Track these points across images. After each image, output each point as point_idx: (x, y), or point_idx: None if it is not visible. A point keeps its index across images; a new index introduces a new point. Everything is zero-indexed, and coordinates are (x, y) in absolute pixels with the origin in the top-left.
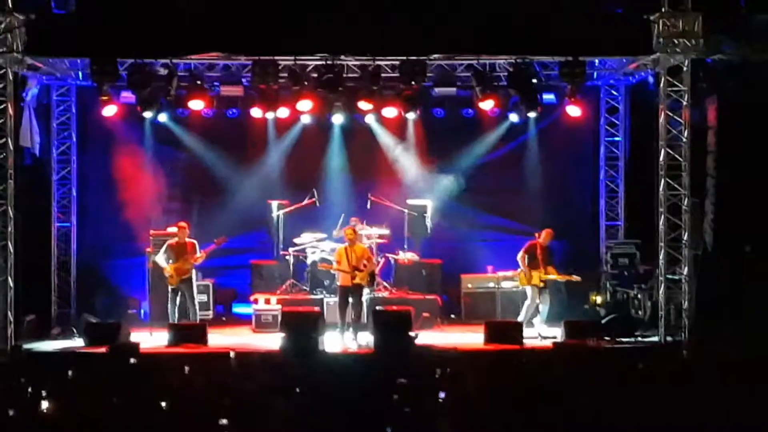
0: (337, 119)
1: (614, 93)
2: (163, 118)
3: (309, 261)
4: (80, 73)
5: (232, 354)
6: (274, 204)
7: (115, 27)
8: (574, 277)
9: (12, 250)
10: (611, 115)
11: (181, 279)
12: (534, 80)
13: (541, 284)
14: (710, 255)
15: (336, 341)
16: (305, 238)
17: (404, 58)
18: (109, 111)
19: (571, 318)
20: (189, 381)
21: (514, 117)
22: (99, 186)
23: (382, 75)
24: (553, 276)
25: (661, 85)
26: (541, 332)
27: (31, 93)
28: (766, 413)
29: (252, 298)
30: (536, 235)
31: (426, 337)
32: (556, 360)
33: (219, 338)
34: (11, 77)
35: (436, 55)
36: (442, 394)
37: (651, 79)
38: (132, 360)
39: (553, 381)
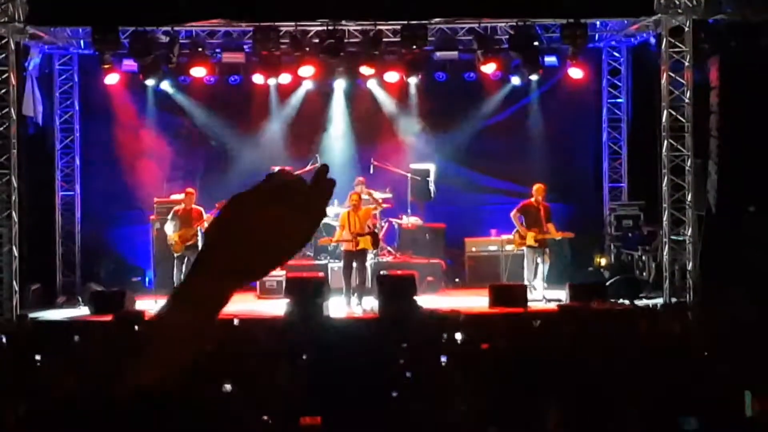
0: (339, 84)
1: (616, 55)
2: (165, 85)
3: None
4: (82, 42)
5: (235, 321)
6: (277, 170)
7: None
8: (569, 233)
9: (16, 220)
10: (613, 76)
11: (185, 246)
12: (536, 43)
13: (536, 244)
14: (714, 216)
15: (341, 306)
16: None
17: (405, 22)
18: (112, 79)
19: (576, 280)
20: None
21: (516, 80)
22: (102, 154)
23: (384, 40)
24: (550, 235)
25: (663, 46)
26: (545, 294)
27: (33, 62)
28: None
29: None
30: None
31: (430, 301)
32: (560, 322)
33: None
34: (13, 47)
35: (437, 19)
36: (443, 358)
37: (653, 41)
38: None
39: (558, 343)
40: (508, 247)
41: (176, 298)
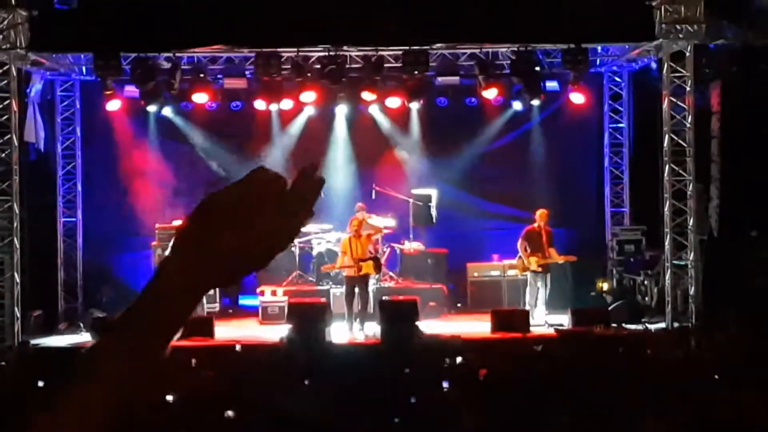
0: (341, 110)
1: (617, 79)
2: (167, 111)
3: (315, 252)
4: (84, 68)
5: (238, 347)
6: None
7: (117, 21)
8: (571, 257)
9: (18, 246)
10: (615, 101)
11: None
12: (537, 68)
13: (540, 269)
14: (716, 240)
15: (343, 332)
16: (310, 229)
17: (407, 48)
18: (113, 105)
19: (578, 305)
20: (196, 373)
21: (517, 105)
22: (104, 180)
23: (385, 65)
24: (552, 259)
25: (664, 70)
26: (547, 319)
27: (35, 89)
28: None
29: (258, 290)
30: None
31: (433, 326)
32: (562, 347)
33: (226, 331)
34: (15, 73)
35: (438, 45)
36: (445, 384)
37: (654, 65)
38: None
39: (559, 368)
40: (510, 273)
41: (144, 294)
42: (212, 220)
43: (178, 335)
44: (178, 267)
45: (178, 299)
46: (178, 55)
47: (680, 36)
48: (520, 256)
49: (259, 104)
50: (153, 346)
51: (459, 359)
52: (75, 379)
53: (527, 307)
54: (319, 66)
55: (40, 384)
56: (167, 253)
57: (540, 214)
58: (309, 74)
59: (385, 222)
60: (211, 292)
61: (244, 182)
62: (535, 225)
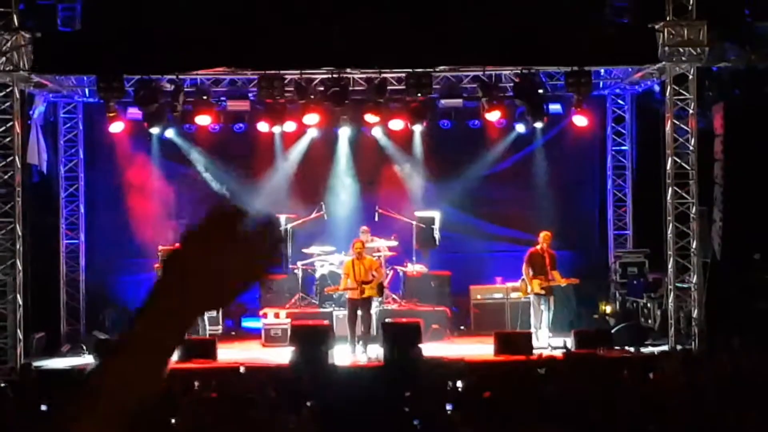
0: (344, 132)
1: (620, 102)
2: (170, 133)
3: (318, 274)
4: (87, 90)
5: (241, 369)
6: (283, 218)
7: (120, 44)
8: (574, 280)
9: (20, 268)
10: (618, 124)
11: None
12: (540, 90)
13: (543, 291)
14: (719, 263)
15: (346, 354)
16: (314, 251)
17: (410, 70)
18: (116, 127)
19: (581, 328)
20: (199, 396)
21: (520, 127)
22: (107, 202)
23: (388, 87)
24: (555, 282)
25: (667, 93)
26: (550, 342)
27: (38, 110)
28: None
29: (261, 312)
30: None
31: (436, 349)
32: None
33: (228, 353)
34: (18, 95)
35: (441, 67)
36: (449, 406)
37: (657, 88)
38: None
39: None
40: (514, 295)
41: (126, 338)
42: (187, 251)
43: (175, 355)
44: (165, 290)
45: (170, 320)
46: (181, 77)
47: (683, 59)
48: (523, 279)
49: (262, 126)
50: (152, 364)
51: (462, 382)
52: (81, 399)
53: (531, 330)
54: (322, 88)
55: (43, 408)
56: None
57: (543, 236)
58: (312, 96)
59: (388, 244)
60: (214, 313)
61: (207, 216)
62: (538, 247)
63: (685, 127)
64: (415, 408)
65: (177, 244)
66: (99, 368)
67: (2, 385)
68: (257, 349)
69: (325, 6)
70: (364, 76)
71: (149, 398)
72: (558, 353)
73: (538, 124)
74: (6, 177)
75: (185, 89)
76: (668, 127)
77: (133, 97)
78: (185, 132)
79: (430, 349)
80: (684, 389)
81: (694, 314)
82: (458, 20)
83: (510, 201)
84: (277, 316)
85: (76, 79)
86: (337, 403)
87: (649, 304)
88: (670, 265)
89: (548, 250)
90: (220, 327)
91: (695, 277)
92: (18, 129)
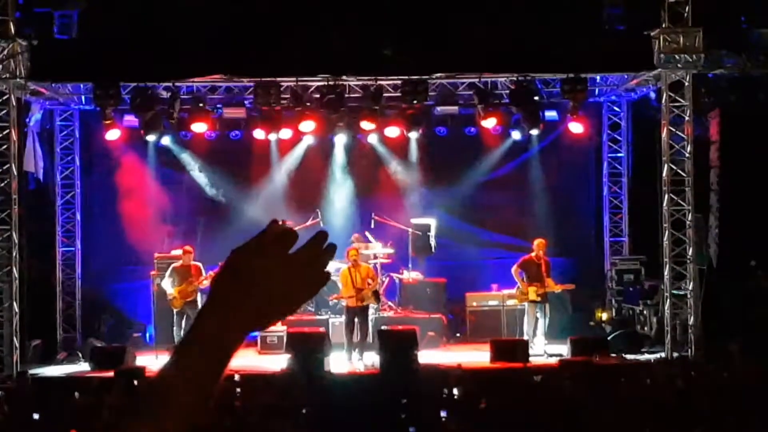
0: (340, 139)
1: (616, 109)
2: (166, 141)
3: None
4: (83, 98)
5: (236, 376)
6: (272, 222)
7: (117, 51)
8: (569, 285)
9: (17, 275)
10: (614, 131)
11: (185, 302)
12: (536, 98)
13: (539, 298)
14: (715, 270)
15: (342, 362)
16: None
17: (406, 77)
18: (113, 135)
19: (577, 335)
20: None
21: (516, 134)
22: (103, 210)
23: (384, 94)
24: (550, 288)
25: (663, 100)
26: (546, 349)
27: (35, 118)
28: None
29: None
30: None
31: (432, 356)
32: (562, 377)
33: None
34: (14, 103)
35: (437, 74)
36: (444, 414)
37: (653, 95)
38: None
39: (559, 398)
40: (510, 302)
41: (182, 351)
42: (244, 267)
43: (226, 368)
44: (213, 314)
45: (215, 341)
46: (177, 84)
47: (679, 65)
48: (518, 287)
49: (258, 133)
50: (208, 371)
51: (458, 389)
52: (144, 405)
53: (525, 337)
54: (318, 95)
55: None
56: (200, 303)
57: (538, 243)
58: (308, 103)
59: (384, 251)
60: None
61: (261, 237)
62: (533, 255)
63: (681, 134)
64: (411, 415)
65: (225, 262)
66: (158, 378)
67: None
68: (253, 357)
69: (321, 13)
70: (360, 83)
71: (206, 407)
72: (554, 360)
73: (534, 131)
74: (2, 185)
75: (181, 97)
76: (664, 134)
77: (130, 105)
78: (181, 139)
79: (426, 356)
80: (680, 396)
81: (690, 321)
82: (454, 27)
83: (506, 208)
84: None
85: (73, 86)
86: (333, 410)
87: (645, 311)
88: (666, 272)
89: (543, 257)
90: None
91: (691, 284)
92: (14, 137)
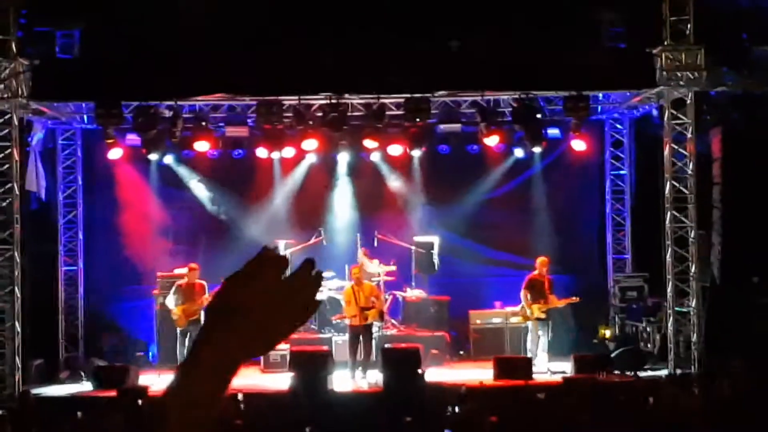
0: (343, 157)
1: (619, 126)
2: (168, 159)
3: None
4: (85, 117)
5: (239, 396)
6: (281, 243)
7: (119, 70)
8: (573, 298)
9: (19, 295)
10: (616, 148)
11: (189, 321)
12: (538, 115)
13: (543, 316)
14: (718, 287)
15: (345, 380)
16: None
17: (408, 95)
18: (115, 154)
19: (580, 352)
20: None
21: (519, 152)
22: (105, 229)
23: (387, 113)
24: (554, 304)
25: (665, 117)
26: (549, 366)
27: (37, 137)
28: None
29: None
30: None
31: (435, 374)
32: (565, 394)
33: None
34: (16, 122)
35: (440, 92)
36: None
37: (655, 112)
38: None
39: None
40: (513, 320)
41: (182, 374)
42: (232, 304)
43: (226, 391)
44: (207, 343)
45: (212, 369)
46: (179, 103)
47: (681, 83)
48: (522, 306)
49: (261, 152)
50: (211, 392)
51: (461, 407)
52: (146, 426)
53: (529, 355)
54: (320, 114)
55: None
56: (199, 331)
57: (541, 261)
58: (311, 122)
59: (387, 269)
60: None
61: (252, 264)
62: (536, 273)
63: (684, 151)
64: None
65: (218, 290)
66: (162, 396)
67: (1, 412)
68: (256, 375)
69: (323, 32)
70: (362, 101)
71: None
72: (558, 378)
73: (537, 149)
74: (4, 204)
75: (184, 115)
76: (666, 151)
77: (132, 124)
78: (184, 158)
79: (430, 374)
80: (683, 413)
81: (693, 338)
82: (456, 45)
83: (509, 226)
84: None
85: (75, 105)
86: (336, 428)
87: (648, 329)
88: (669, 289)
89: (546, 275)
90: None
91: (694, 301)
92: (16, 156)
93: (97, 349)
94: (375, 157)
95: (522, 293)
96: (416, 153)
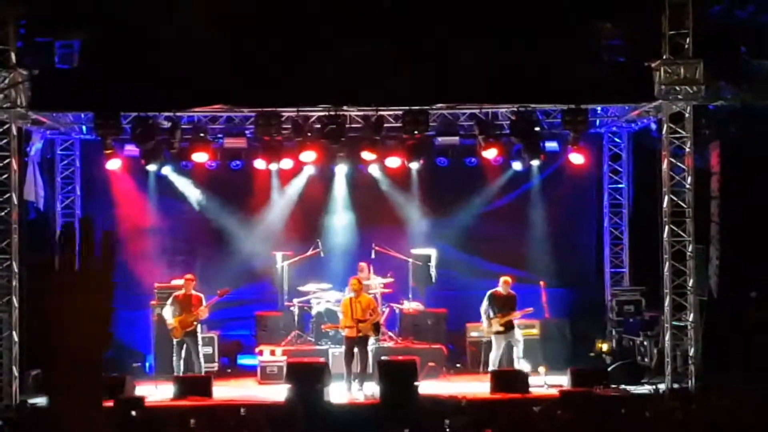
0: (341, 169)
1: (617, 140)
2: (167, 170)
3: (314, 312)
4: (84, 127)
5: (242, 410)
6: (279, 255)
7: (118, 81)
8: (528, 309)
9: (16, 305)
10: (614, 162)
11: (185, 332)
12: (536, 128)
13: (502, 329)
14: (716, 301)
15: (342, 392)
16: (310, 288)
17: (407, 108)
18: (113, 164)
19: (577, 366)
20: None
21: (517, 165)
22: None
23: (385, 125)
24: (512, 317)
25: (664, 131)
26: (546, 379)
27: (35, 148)
28: None
29: (257, 349)
30: (540, 283)
31: (432, 387)
32: (562, 408)
33: (224, 390)
34: (15, 132)
35: (438, 105)
36: None
37: (653, 126)
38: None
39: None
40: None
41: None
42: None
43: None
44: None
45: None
46: (178, 114)
47: (679, 97)
48: (482, 322)
49: (259, 163)
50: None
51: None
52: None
53: (491, 368)
54: (319, 125)
55: None
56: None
57: (504, 280)
58: (309, 134)
59: (385, 281)
60: (210, 351)
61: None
62: (500, 289)
63: (682, 165)
64: None
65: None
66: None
67: None
68: (253, 387)
69: (321, 44)
70: (360, 113)
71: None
72: (554, 391)
73: (535, 162)
74: (3, 214)
75: (182, 126)
76: (665, 165)
77: (130, 135)
78: (182, 169)
79: (427, 386)
80: (680, 428)
81: (691, 352)
82: (455, 58)
83: (506, 239)
84: (273, 353)
85: (74, 116)
86: None
87: (645, 343)
88: (666, 303)
89: (509, 292)
90: (216, 364)
91: (692, 315)
92: (15, 166)
93: None
94: (373, 169)
95: (482, 308)
96: (414, 165)
